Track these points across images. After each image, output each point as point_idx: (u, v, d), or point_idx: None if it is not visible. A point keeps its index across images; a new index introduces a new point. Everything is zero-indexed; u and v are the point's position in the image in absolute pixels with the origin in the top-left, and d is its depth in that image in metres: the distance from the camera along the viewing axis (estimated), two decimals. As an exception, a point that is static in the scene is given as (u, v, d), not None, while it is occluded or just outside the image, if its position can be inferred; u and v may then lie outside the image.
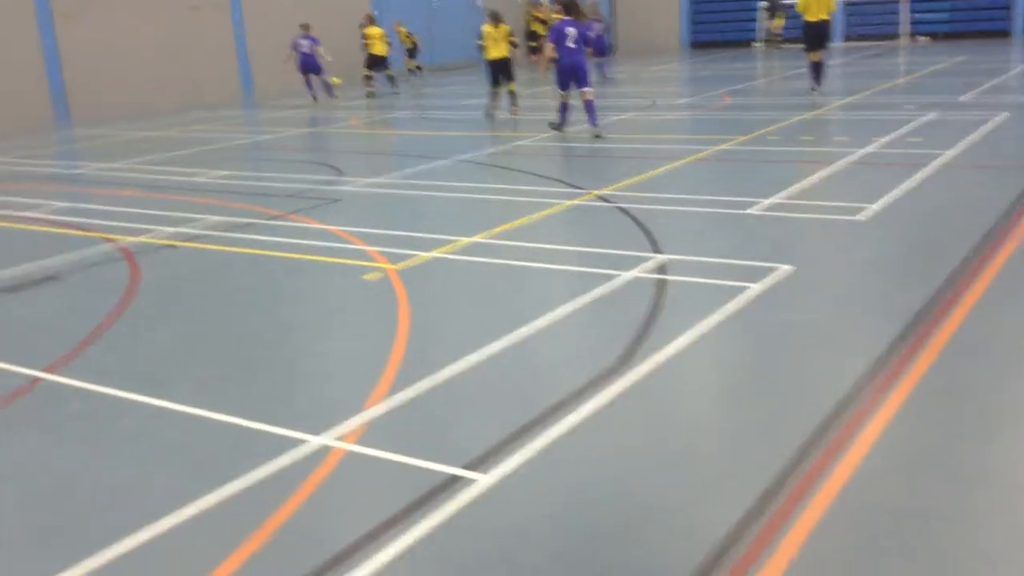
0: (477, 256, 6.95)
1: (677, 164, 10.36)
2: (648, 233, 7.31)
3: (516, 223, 7.92)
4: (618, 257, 6.64)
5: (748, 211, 7.85)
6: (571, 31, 12.12)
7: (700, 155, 10.82)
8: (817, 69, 14.78)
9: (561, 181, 9.83)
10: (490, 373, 4.78)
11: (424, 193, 9.57)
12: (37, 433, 4.38)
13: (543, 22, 21.97)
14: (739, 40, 30.32)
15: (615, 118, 14.56)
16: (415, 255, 7.01)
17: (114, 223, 8.72)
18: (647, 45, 31.09)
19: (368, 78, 20.48)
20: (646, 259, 6.54)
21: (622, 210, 8.19)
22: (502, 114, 15.19)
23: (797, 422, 3.96)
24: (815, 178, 9.03)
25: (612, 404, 4.26)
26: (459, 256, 6.99)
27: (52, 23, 18.79)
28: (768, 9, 28.48)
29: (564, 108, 12.65)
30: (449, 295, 6.25)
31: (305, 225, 8.31)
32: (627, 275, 6.19)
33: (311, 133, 15.80)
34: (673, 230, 7.43)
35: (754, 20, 29.41)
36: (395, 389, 4.55)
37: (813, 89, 14.93)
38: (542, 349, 5.16)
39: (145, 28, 20.38)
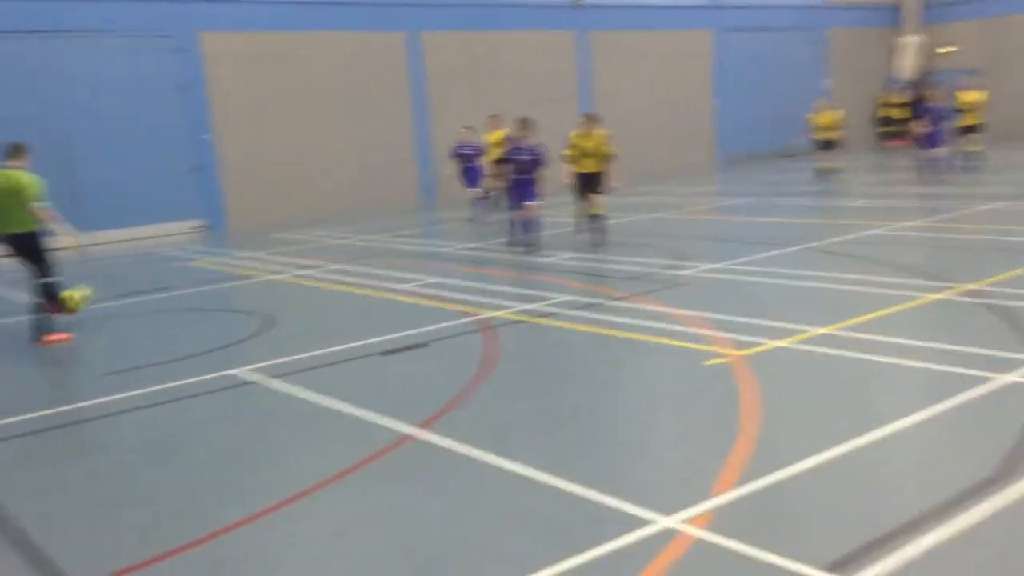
0: (827, 347, 6.66)
1: (1060, 259, 9.28)
2: (1027, 334, 6.58)
3: (870, 316, 7.50)
4: (989, 359, 6.05)
5: None
6: None
7: (1089, 250, 9.61)
8: None
9: (922, 272, 9.18)
10: (844, 474, 4.52)
11: (770, 281, 9.38)
12: (407, 483, 4.82)
13: (900, 106, 20.91)
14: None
15: (983, 207, 13.39)
16: (761, 343, 6.87)
17: (473, 298, 9.47)
18: (1014, 132, 28.37)
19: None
20: (1025, 363, 5.88)
21: (993, 307, 7.47)
22: (855, 201, 14.57)
23: None
24: None
25: (984, 524, 3.84)
26: (807, 347, 6.74)
27: (426, 117, 21.09)
28: None
29: None
30: (797, 387, 6.03)
31: (648, 307, 8.47)
32: (1001, 379, 5.61)
33: (650, 219, 16.17)
34: (1058, 333, 6.63)
35: None
36: (743, 479, 4.45)
37: None
38: (902, 453, 4.80)
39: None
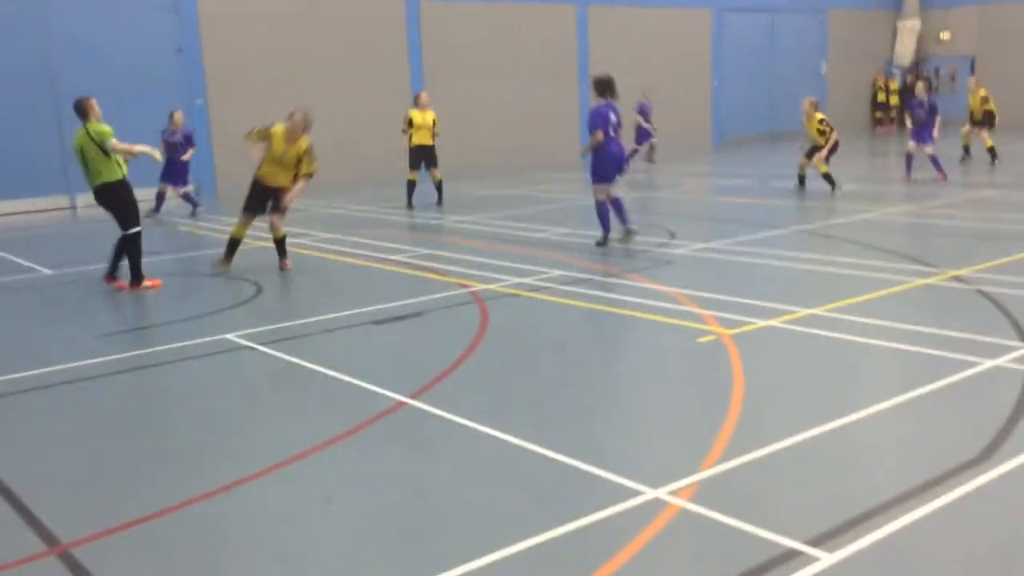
0: (816, 328, 6.74)
1: (1049, 248, 9.37)
2: (1015, 321, 6.67)
3: (860, 298, 7.58)
4: (977, 343, 6.13)
5: None
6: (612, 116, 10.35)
7: (1078, 240, 9.70)
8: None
9: (912, 258, 9.25)
10: (832, 451, 4.61)
11: (761, 261, 9.45)
12: (400, 449, 4.88)
13: (895, 92, 20.83)
14: None
15: (974, 195, 13.48)
16: (750, 322, 6.94)
17: (466, 270, 9.51)
18: (1011, 121, 28.39)
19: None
20: (1012, 348, 5.97)
21: (982, 293, 7.55)
22: (846, 184, 14.62)
23: None
24: None
25: (964, 502, 3.93)
26: (797, 327, 6.82)
27: (426, 86, 21.04)
28: None
29: (607, 208, 10.63)
30: (785, 365, 6.11)
31: (640, 284, 8.53)
32: (988, 364, 5.70)
33: (646, 197, 16.20)
34: (1044, 320, 6.71)
35: None
36: (729, 453, 4.53)
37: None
38: (885, 434, 4.89)
39: (499, 94, 22.13)
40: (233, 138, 18.32)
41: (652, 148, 21.36)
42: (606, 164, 10.40)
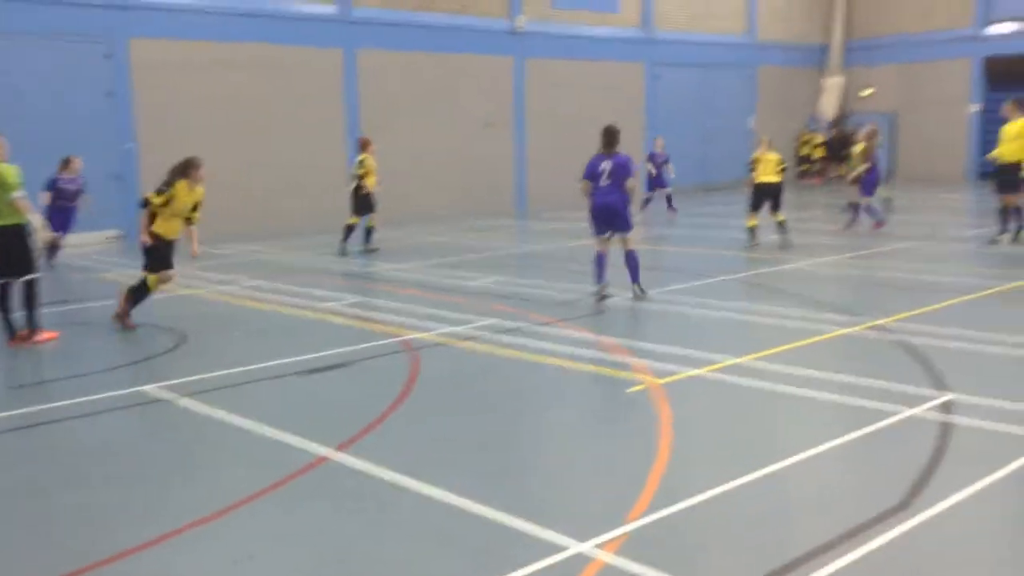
0: (742, 378, 6.81)
1: (966, 298, 9.67)
2: (932, 370, 6.84)
3: (785, 347, 7.70)
4: (895, 393, 6.26)
5: (1050, 355, 7.14)
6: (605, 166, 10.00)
7: (991, 291, 10.05)
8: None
9: (835, 307, 9.46)
10: (754, 501, 4.63)
11: (692, 310, 9.56)
12: (323, 505, 4.75)
13: (819, 145, 21.57)
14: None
15: (896, 246, 13.90)
16: (680, 371, 7.00)
17: (398, 319, 9.43)
18: (930, 174, 29.52)
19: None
20: (928, 398, 6.12)
21: (901, 343, 7.74)
22: (773, 235, 14.95)
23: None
24: None
25: (887, 550, 3.97)
26: (724, 376, 6.89)
27: (357, 135, 21.00)
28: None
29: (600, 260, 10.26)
30: (712, 416, 6.15)
31: (571, 333, 8.55)
32: (906, 412, 5.82)
33: (580, 246, 16.33)
34: (961, 368, 6.90)
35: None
36: (656, 505, 4.52)
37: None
38: (808, 483, 4.94)
39: (438, 142, 22.24)
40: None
41: (668, 197, 20.90)
42: (592, 215, 10.23)
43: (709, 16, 28.51)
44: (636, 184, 10.03)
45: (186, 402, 6.62)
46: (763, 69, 30.11)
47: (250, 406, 6.53)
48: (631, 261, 10.20)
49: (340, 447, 5.53)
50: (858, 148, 18.93)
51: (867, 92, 31.39)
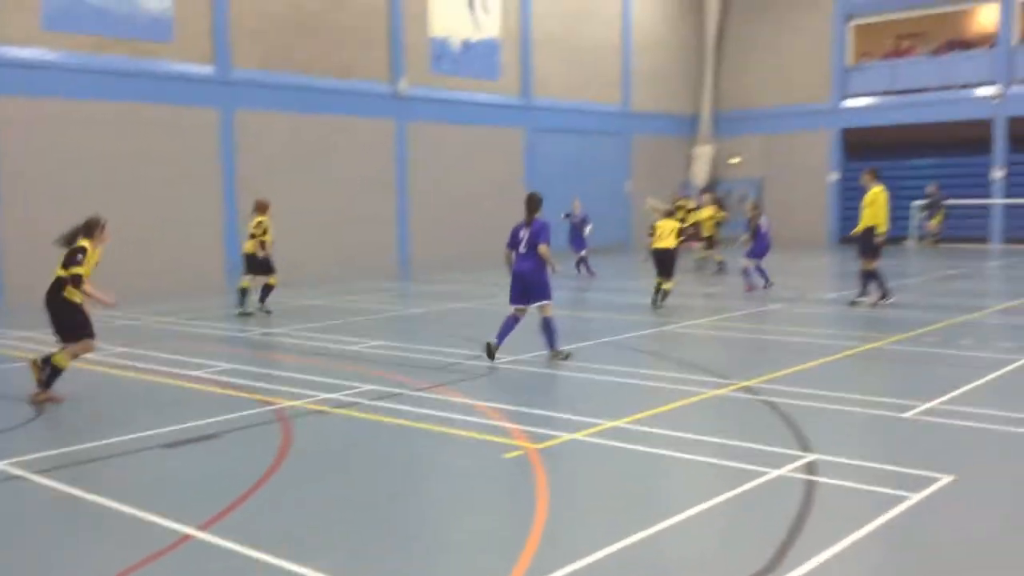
0: (617, 441, 6.89)
1: (828, 359, 10.11)
2: (796, 430, 7.09)
3: (659, 410, 7.85)
4: (764, 453, 6.45)
5: (905, 415, 7.52)
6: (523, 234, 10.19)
7: (852, 352, 10.54)
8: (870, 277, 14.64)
9: (707, 369, 9.73)
10: (629, 567, 4.65)
11: (569, 374, 9.65)
12: (183, 589, 4.51)
13: (691, 211, 22.55)
14: (891, 237, 29.80)
15: (763, 308, 14.47)
16: (557, 435, 7.03)
17: (271, 386, 9.17)
18: (793, 238, 31.03)
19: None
20: (794, 457, 6.32)
21: (769, 404, 8.00)
22: (648, 298, 15.35)
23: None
24: (979, 383, 8.60)
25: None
26: (600, 440, 6.95)
27: (235, 196, 20.58)
28: (926, 208, 28.26)
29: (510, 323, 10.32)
30: (588, 480, 6.18)
31: (451, 399, 8.49)
32: (773, 473, 5.99)
33: (462, 308, 16.36)
34: (823, 429, 7.17)
35: (907, 217, 28.99)
36: (533, 572, 4.47)
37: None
38: (681, 547, 5.00)
39: (320, 203, 22.02)
40: (28, 243, 17.24)
41: (583, 259, 21.06)
42: (511, 283, 10.30)
43: (585, 86, 29.46)
44: (546, 251, 10.13)
45: (40, 479, 6.22)
46: (637, 137, 31.23)
47: (110, 483, 6.20)
48: (547, 328, 10.23)
49: (205, 525, 5.28)
50: (705, 213, 20.98)
51: (735, 160, 32.99)
